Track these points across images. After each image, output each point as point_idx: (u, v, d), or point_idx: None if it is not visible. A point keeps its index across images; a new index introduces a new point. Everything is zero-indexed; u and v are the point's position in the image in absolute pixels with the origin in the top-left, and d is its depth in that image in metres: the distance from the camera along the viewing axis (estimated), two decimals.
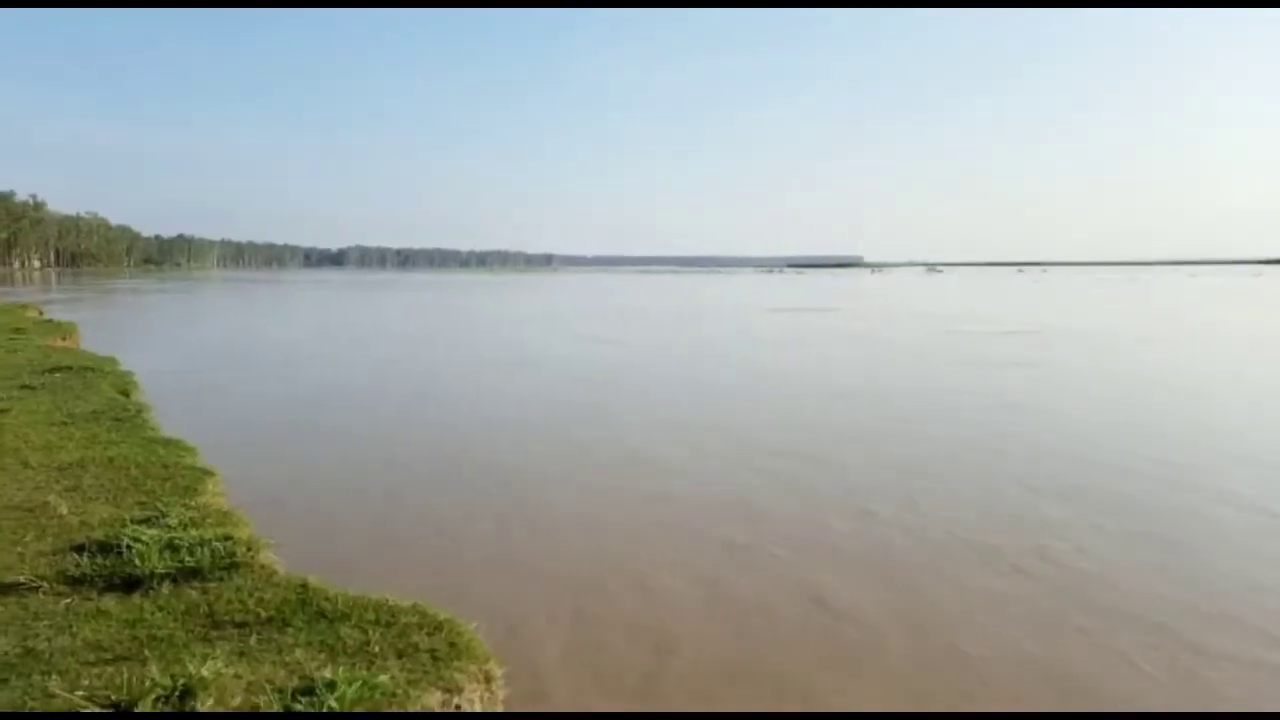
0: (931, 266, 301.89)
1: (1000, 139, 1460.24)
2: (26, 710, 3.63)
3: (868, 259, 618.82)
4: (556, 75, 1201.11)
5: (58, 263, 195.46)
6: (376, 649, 4.20)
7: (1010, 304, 53.51)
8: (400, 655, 4.16)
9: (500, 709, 4.22)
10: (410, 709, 3.76)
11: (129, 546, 5.26)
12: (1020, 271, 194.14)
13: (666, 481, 9.60)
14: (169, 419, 10.46)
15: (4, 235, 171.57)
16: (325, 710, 3.60)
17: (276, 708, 3.65)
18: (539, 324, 35.75)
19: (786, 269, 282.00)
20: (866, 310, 46.41)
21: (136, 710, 3.56)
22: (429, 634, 4.39)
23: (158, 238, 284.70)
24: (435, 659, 4.14)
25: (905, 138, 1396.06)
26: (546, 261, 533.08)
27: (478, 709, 4.03)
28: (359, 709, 3.65)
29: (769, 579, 6.74)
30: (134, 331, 31.10)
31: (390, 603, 4.72)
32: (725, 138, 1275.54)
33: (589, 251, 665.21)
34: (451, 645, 4.27)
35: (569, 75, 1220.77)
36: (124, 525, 5.77)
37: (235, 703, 3.70)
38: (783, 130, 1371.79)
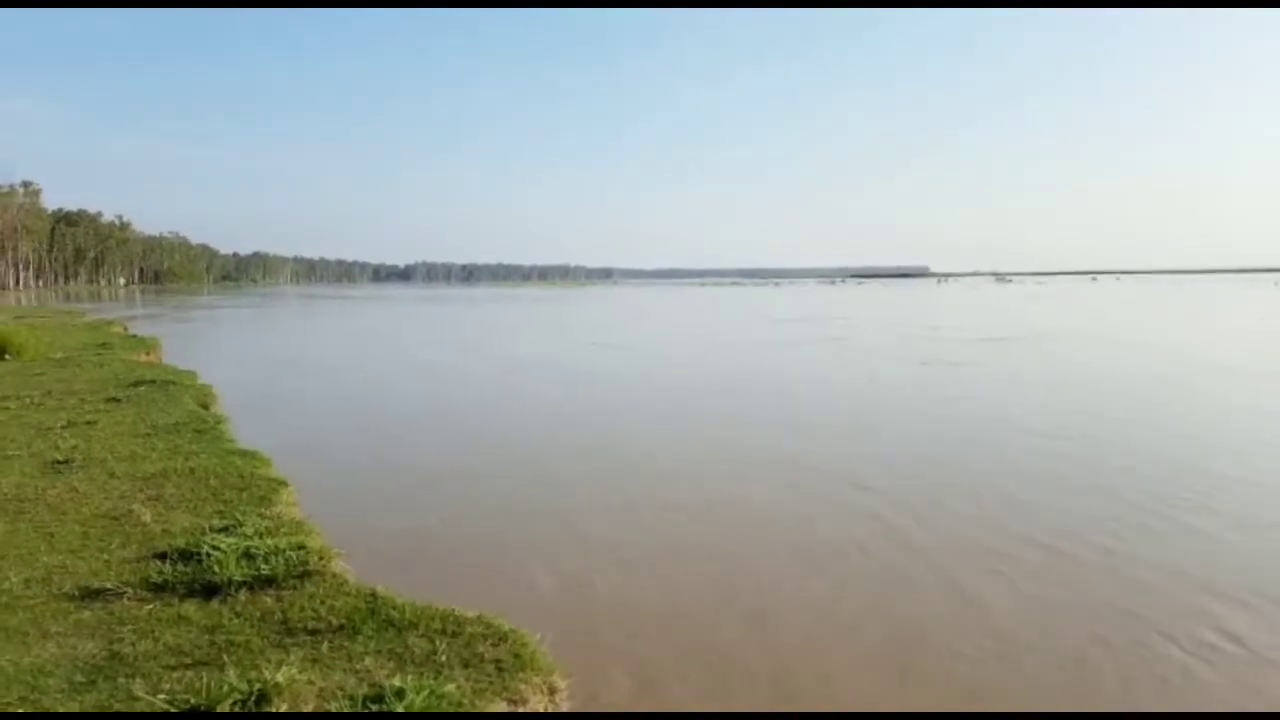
0: (1001, 276, 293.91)
1: (1075, 144, 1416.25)
2: (112, 711, 3.78)
3: (934, 268, 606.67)
4: (613, 87, 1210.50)
5: (141, 280, 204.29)
6: (443, 658, 4.26)
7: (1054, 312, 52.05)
8: (466, 665, 4.21)
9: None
10: None
11: (208, 554, 5.43)
12: (1094, 280, 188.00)
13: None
14: (243, 430, 10.81)
15: (92, 254, 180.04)
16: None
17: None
18: (567, 334, 37.94)
19: (849, 279, 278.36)
20: (872, 317, 46.30)
21: (216, 711, 3.68)
22: (494, 644, 4.43)
23: (235, 255, 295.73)
24: (500, 669, 4.18)
25: (974, 144, 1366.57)
26: (607, 275, 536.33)
27: None
28: None
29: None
30: (212, 346, 32.22)
31: (456, 613, 4.77)
32: (784, 146, 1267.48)
33: (649, 264, 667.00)
34: (516, 656, 4.30)
35: (624, 87, 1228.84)
36: (204, 534, 5.97)
37: (308, 709, 3.79)
38: (846, 139, 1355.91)
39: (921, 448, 12.02)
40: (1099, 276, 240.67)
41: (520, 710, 3.98)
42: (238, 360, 25.94)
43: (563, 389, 18.73)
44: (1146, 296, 77.99)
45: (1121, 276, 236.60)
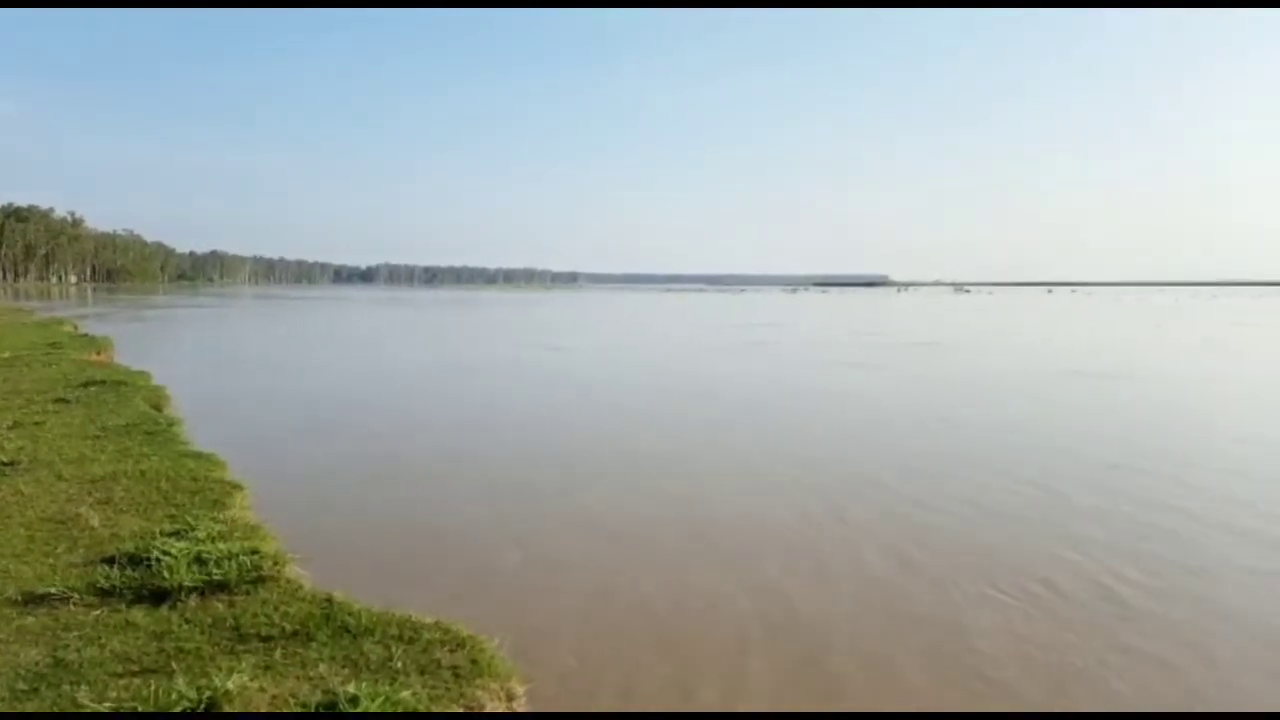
0: (959, 286, 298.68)
1: (1038, 157, 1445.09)
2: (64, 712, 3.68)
3: (894, 278, 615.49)
4: (583, 94, 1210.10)
5: (94, 278, 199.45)
6: (399, 665, 4.22)
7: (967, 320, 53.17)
8: (423, 672, 4.18)
9: None
10: None
11: (158, 559, 5.33)
12: (1049, 292, 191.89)
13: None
14: (198, 432, 10.61)
15: (42, 251, 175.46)
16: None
17: None
18: (513, 337, 38.80)
19: (812, 288, 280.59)
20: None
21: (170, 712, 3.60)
22: (451, 651, 4.40)
23: (191, 254, 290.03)
24: (457, 676, 4.15)
25: (937, 155, 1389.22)
26: (572, 279, 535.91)
27: None
28: None
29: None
30: (165, 346, 31.56)
31: (413, 619, 4.74)
32: (754, 155, 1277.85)
33: (615, 269, 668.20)
34: (474, 662, 4.28)
35: (596, 94, 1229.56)
36: (154, 538, 5.85)
37: None
38: (811, 147, 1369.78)
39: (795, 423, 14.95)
40: (1054, 289, 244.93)
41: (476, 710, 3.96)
42: (192, 360, 25.44)
43: (497, 385, 20.10)
44: (1075, 309, 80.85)
45: (1076, 289, 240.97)
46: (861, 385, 19.98)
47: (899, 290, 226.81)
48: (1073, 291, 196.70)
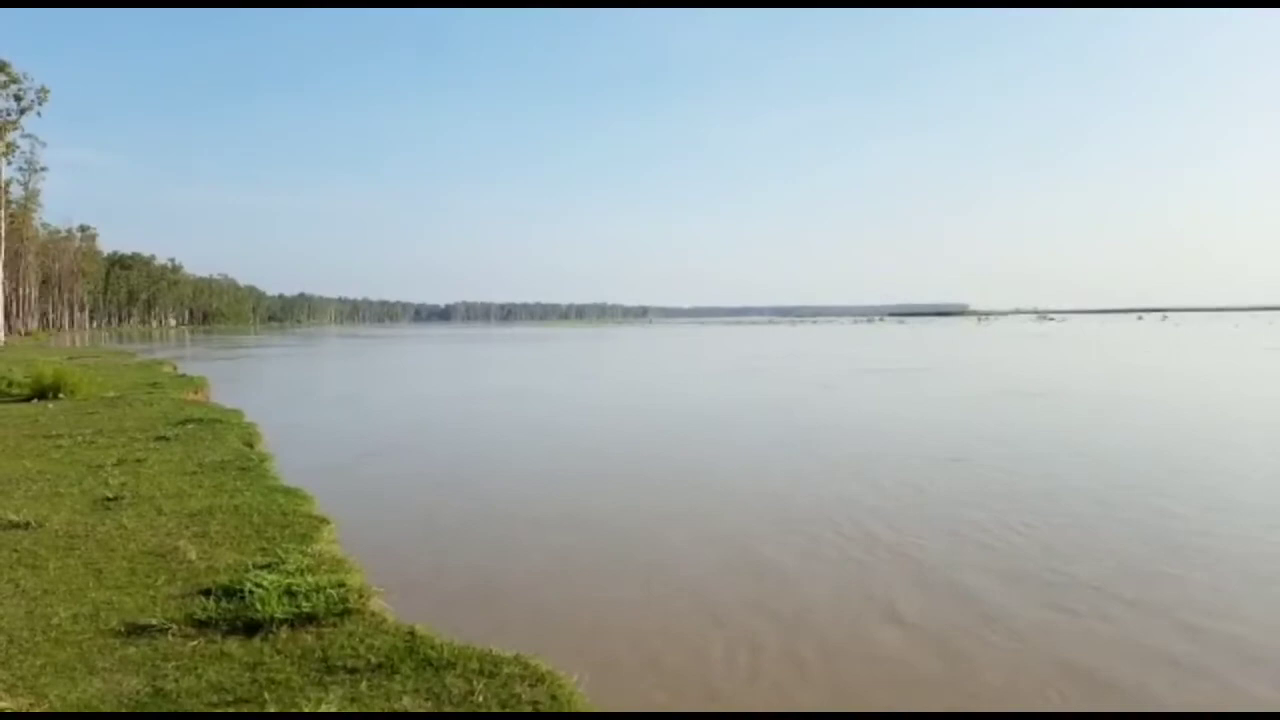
0: (1043, 314, 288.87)
1: (1129, 176, 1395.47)
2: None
3: (974, 306, 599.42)
4: (651, 124, 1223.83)
5: (191, 320, 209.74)
6: (480, 699, 4.25)
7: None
8: (503, 706, 4.20)
9: None
10: None
11: (251, 591, 5.51)
12: (1140, 319, 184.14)
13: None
14: (284, 465, 10.98)
15: (144, 296, 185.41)
16: None
17: None
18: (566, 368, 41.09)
19: (887, 318, 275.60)
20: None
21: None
22: (531, 686, 4.42)
23: (280, 296, 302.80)
24: (537, 711, 4.16)
25: (1019, 180, 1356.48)
26: (643, 313, 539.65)
27: None
28: None
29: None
30: (255, 383, 32.82)
31: (494, 653, 4.78)
32: (826, 185, 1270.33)
33: (685, 303, 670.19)
34: (553, 698, 4.29)
35: (663, 125, 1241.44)
36: (247, 571, 6.06)
37: None
38: (886, 176, 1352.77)
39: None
40: (1144, 315, 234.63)
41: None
42: (278, 396, 26.42)
43: (539, 409, 22.25)
44: (1138, 334, 76.90)
45: (1168, 315, 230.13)
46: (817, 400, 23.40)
47: (979, 320, 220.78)
48: (1164, 318, 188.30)
